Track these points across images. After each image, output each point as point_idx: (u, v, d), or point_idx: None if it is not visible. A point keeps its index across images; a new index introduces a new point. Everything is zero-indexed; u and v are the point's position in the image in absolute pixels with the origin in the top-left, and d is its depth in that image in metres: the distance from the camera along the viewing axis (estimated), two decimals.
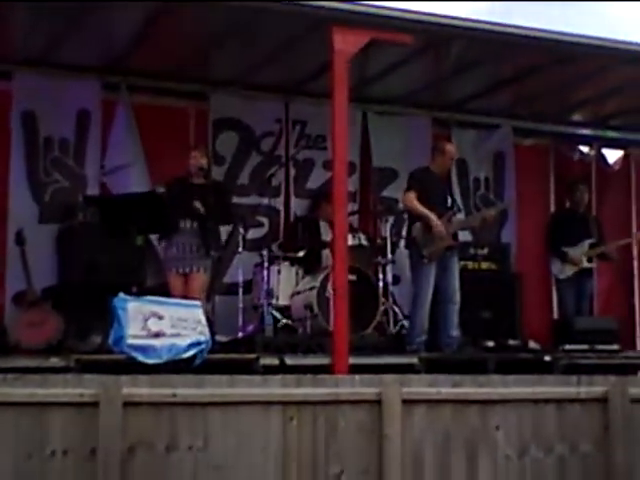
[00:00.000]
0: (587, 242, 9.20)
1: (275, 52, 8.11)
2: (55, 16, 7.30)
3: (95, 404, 5.23)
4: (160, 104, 8.92)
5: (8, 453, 5.03)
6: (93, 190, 8.49)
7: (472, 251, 8.94)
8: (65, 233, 8.10)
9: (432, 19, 7.18)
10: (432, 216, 7.71)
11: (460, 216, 8.55)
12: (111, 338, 6.22)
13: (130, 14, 7.35)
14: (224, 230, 8.13)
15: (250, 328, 7.97)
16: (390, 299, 8.44)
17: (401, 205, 8.61)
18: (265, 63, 8.44)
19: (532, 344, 8.37)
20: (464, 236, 8.83)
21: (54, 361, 6.10)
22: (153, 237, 8.05)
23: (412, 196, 7.80)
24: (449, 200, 8.13)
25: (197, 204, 7.47)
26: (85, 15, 7.26)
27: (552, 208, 10.49)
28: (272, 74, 8.77)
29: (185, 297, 7.14)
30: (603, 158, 10.90)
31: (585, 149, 10.89)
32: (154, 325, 6.25)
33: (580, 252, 9.12)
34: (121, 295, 6.35)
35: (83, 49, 8.12)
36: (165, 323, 6.30)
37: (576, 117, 10.39)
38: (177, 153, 8.27)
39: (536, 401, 6.26)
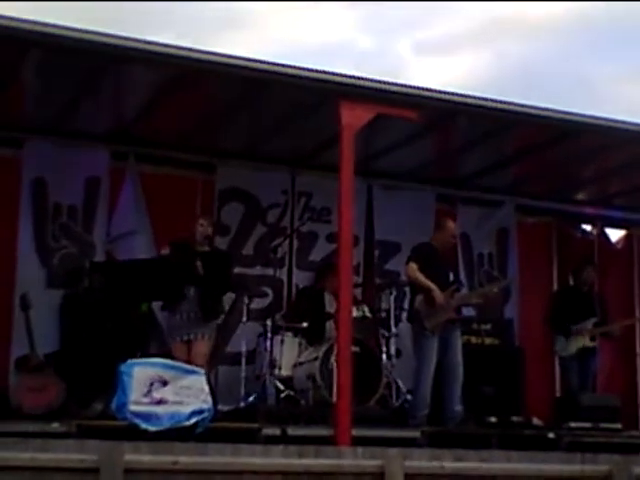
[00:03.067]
0: (591, 321, 9.17)
1: (282, 124, 8.24)
2: (66, 86, 7.43)
3: (96, 470, 5.21)
4: (167, 174, 9.02)
5: None
6: (100, 257, 8.54)
7: (475, 326, 8.92)
8: (70, 298, 8.12)
9: (437, 95, 7.31)
10: (434, 287, 7.73)
11: (463, 291, 8.58)
12: (114, 404, 6.19)
13: (140, 86, 7.50)
14: (227, 299, 8.15)
15: (252, 398, 7.92)
16: (393, 372, 8.40)
17: (404, 277, 8.63)
18: (272, 135, 8.57)
19: (535, 421, 8.30)
20: (468, 311, 8.83)
21: (55, 426, 6.05)
22: (155, 306, 8.07)
23: (414, 267, 7.83)
24: (451, 275, 8.17)
25: (198, 264, 7.50)
26: (96, 85, 7.40)
27: (555, 285, 10.51)
28: (279, 146, 8.89)
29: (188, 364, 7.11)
30: (606, 237, 10.97)
31: (588, 227, 10.98)
32: (157, 392, 6.22)
33: (583, 330, 9.10)
34: (129, 361, 6.34)
35: (93, 118, 8.26)
36: (168, 390, 6.28)
37: (579, 196, 10.47)
38: (183, 222, 8.31)
39: (540, 478, 6.22)
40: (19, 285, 8.11)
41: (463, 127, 8.31)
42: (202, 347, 7.49)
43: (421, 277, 7.79)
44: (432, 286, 7.74)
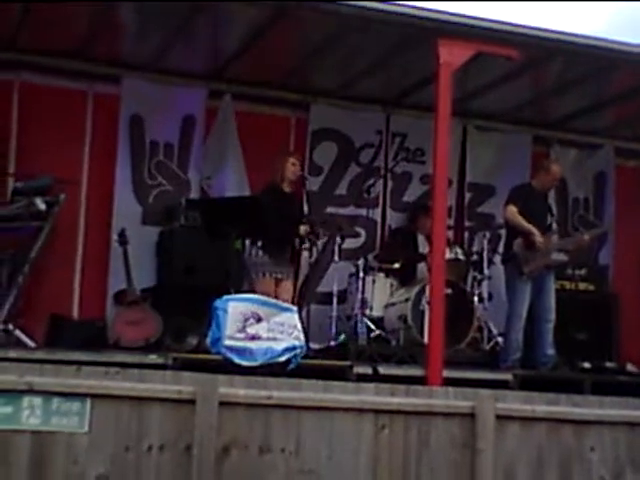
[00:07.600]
0: None
1: (378, 63, 8.15)
2: (165, 22, 7.47)
3: (192, 402, 5.30)
4: (261, 112, 9.03)
5: (107, 444, 5.15)
6: (195, 194, 8.66)
7: (569, 271, 8.80)
8: (166, 235, 8.25)
9: (538, 33, 7.12)
10: (535, 231, 7.62)
11: (555, 235, 8.43)
12: (209, 339, 6.29)
13: (237, 23, 7.49)
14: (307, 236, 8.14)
15: (343, 337, 7.96)
16: (484, 315, 8.35)
17: (501, 220, 8.50)
18: (367, 74, 8.48)
19: (629, 367, 8.18)
20: (559, 256, 8.67)
21: (153, 358, 6.20)
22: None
23: (514, 210, 7.70)
24: (549, 218, 8.03)
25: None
26: (194, 22, 7.41)
27: None
28: (374, 85, 8.81)
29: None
30: None
31: None
32: (251, 328, 6.31)
33: None
34: (224, 296, 6.43)
35: (191, 56, 8.31)
36: (262, 326, 6.36)
37: None
38: (276, 161, 8.31)
39: (633, 424, 6.14)
40: (116, 221, 8.27)
41: (563, 66, 8.09)
42: (287, 286, 7.53)
43: (521, 220, 7.66)
44: (533, 230, 7.62)
